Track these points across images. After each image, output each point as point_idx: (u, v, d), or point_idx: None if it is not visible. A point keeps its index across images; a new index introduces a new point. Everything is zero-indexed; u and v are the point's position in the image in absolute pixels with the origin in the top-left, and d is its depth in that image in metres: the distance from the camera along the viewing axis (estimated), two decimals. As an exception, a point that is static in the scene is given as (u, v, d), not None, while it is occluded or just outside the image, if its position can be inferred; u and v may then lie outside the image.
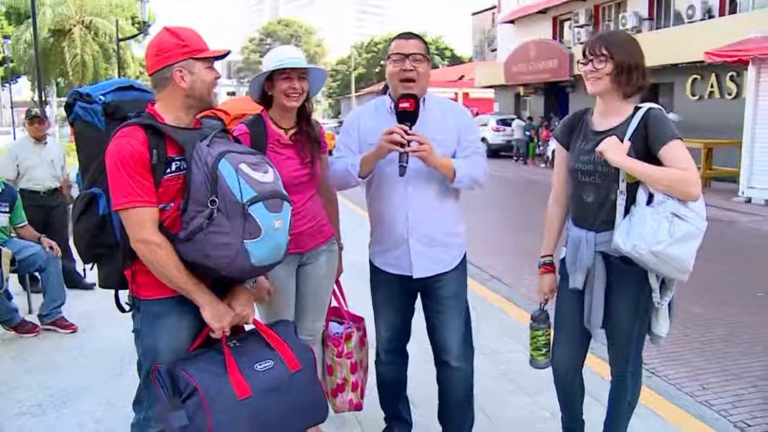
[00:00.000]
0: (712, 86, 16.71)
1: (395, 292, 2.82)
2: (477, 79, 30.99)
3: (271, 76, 2.63)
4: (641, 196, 2.32)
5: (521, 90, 27.01)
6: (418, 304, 2.90)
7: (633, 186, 2.35)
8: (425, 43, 2.68)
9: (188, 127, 2.17)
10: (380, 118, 2.67)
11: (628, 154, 2.32)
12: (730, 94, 16.16)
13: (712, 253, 7.84)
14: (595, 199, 2.46)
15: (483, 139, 24.11)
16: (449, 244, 2.74)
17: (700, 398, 3.82)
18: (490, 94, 32.53)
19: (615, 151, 2.32)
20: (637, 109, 2.43)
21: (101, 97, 2.33)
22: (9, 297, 4.73)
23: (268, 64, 2.61)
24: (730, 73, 15.84)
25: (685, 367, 4.29)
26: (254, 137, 2.61)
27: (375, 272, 2.86)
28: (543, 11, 25.06)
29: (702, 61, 13.75)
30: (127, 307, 2.29)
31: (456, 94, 40.90)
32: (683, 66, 17.08)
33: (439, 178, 2.63)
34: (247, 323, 2.27)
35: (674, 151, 2.28)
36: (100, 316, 4.88)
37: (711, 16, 17.47)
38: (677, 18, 19.33)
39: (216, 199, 1.97)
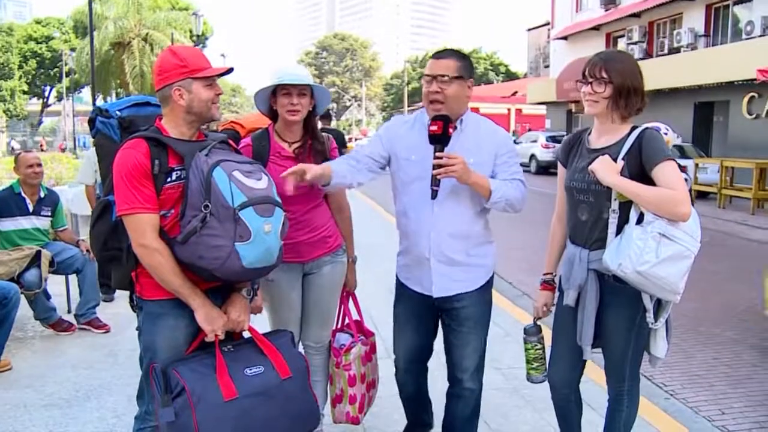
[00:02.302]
0: (770, 104, 16.22)
1: (416, 309, 2.81)
2: (529, 96, 30.83)
3: (275, 92, 2.74)
4: (632, 215, 2.33)
5: (573, 107, 26.71)
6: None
7: (626, 205, 2.36)
8: (462, 61, 2.62)
9: (191, 140, 2.31)
10: (415, 132, 2.69)
11: (622, 174, 2.34)
12: (789, 113, 15.67)
13: (756, 277, 7.61)
14: (589, 217, 2.48)
15: (532, 156, 23.98)
16: (471, 264, 2.71)
17: (717, 423, 3.73)
18: (542, 110, 32.28)
19: (606, 170, 2.34)
20: (633, 128, 2.45)
21: (117, 113, 2.52)
22: (48, 296, 4.99)
23: (272, 80, 2.72)
24: (789, 92, 15.38)
25: (707, 391, 4.20)
26: (257, 149, 2.74)
27: (399, 286, 2.88)
28: (596, 28, 24.78)
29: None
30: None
31: (509, 110, 40.84)
32: (739, 83, 16.63)
33: (467, 200, 2.63)
34: (242, 330, 2.38)
35: (665, 171, 2.29)
36: (132, 318, 5.06)
37: (772, 33, 16.98)
38: (735, 34, 18.86)
39: (209, 204, 2.09)
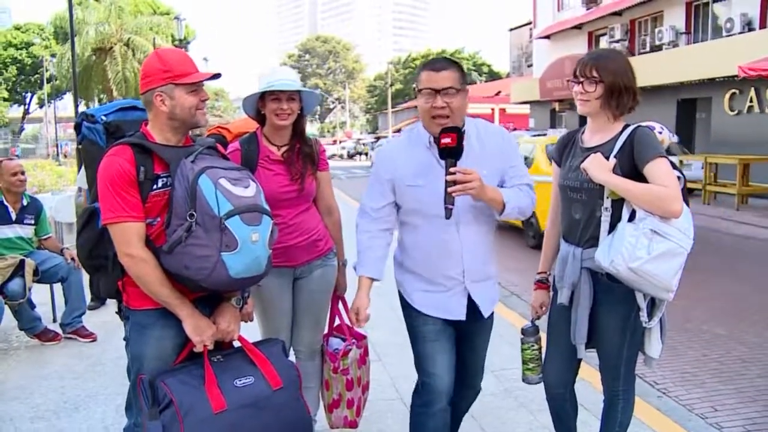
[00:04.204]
0: (751, 100, 16.32)
1: (443, 328, 2.58)
2: (512, 95, 30.90)
3: (263, 97, 2.70)
4: (624, 212, 2.32)
5: (556, 105, 26.81)
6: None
7: (618, 203, 2.35)
8: (460, 70, 2.43)
9: (177, 145, 2.25)
10: (416, 154, 2.48)
11: (614, 172, 2.33)
12: (770, 109, 15.79)
13: (743, 273, 7.69)
14: (582, 216, 2.47)
15: (517, 155, 24.03)
16: (492, 276, 2.63)
17: (710, 420, 3.73)
18: (526, 109, 32.39)
19: (598, 168, 2.33)
20: (626, 126, 2.43)
21: (103, 117, 2.47)
22: (32, 306, 4.90)
23: (261, 84, 2.69)
24: (770, 87, 15.48)
25: (699, 389, 4.20)
26: (245, 154, 2.69)
27: (418, 316, 2.58)
28: (578, 26, 24.88)
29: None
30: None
31: (492, 109, 40.89)
32: (721, 80, 16.75)
33: (485, 215, 2.50)
34: (232, 339, 2.33)
35: (657, 168, 2.28)
36: (119, 326, 4.99)
37: (751, 29, 17.11)
38: (716, 31, 19.00)
39: (194, 213, 2.04)
